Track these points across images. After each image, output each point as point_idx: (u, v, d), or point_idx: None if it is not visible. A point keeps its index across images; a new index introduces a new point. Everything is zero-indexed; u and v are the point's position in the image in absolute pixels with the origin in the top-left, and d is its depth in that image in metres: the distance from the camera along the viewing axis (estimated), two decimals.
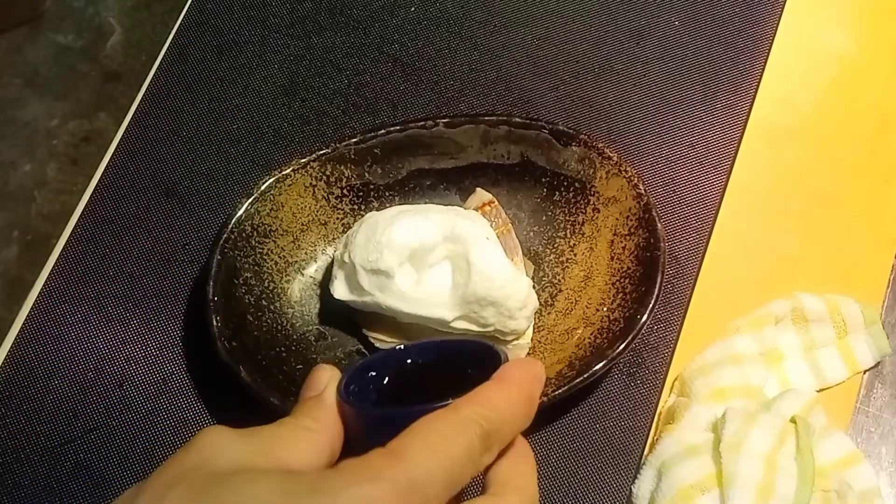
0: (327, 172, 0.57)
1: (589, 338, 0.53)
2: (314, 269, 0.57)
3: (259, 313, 0.54)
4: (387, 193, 0.58)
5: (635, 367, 0.57)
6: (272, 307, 0.55)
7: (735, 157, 0.62)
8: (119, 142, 0.63)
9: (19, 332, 0.57)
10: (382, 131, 0.56)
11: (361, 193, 0.58)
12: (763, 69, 0.65)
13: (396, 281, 0.51)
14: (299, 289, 0.57)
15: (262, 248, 0.55)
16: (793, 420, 0.51)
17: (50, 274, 0.59)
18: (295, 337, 0.55)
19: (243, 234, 0.54)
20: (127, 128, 0.64)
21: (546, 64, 0.66)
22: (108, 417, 0.55)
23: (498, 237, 0.54)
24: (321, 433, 0.30)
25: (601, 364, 0.51)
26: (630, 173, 0.55)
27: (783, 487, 0.47)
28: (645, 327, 0.52)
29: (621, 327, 0.52)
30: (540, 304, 0.55)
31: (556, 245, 0.58)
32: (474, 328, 0.52)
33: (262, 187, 0.55)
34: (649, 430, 0.55)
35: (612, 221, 0.56)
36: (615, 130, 0.63)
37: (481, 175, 0.58)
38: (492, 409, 0.29)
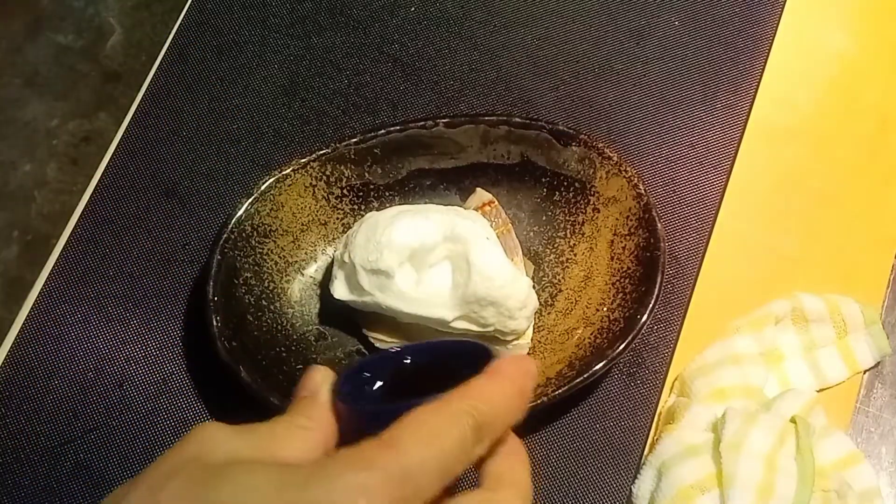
0: (327, 172, 0.57)
1: (589, 338, 0.53)
2: (314, 269, 0.57)
3: (259, 313, 0.54)
4: (387, 193, 0.58)
5: (635, 367, 0.57)
6: (272, 307, 0.55)
7: (735, 157, 0.62)
8: (119, 142, 0.63)
9: (19, 332, 0.57)
10: (382, 131, 0.56)
11: (361, 193, 0.58)
12: (763, 69, 0.65)
13: (396, 281, 0.51)
14: (299, 289, 0.57)
15: (262, 248, 0.55)
16: (793, 420, 0.51)
17: (50, 274, 0.59)
18: (295, 337, 0.55)
19: (243, 234, 0.54)
20: (127, 128, 0.64)
21: (546, 64, 0.66)
22: (108, 417, 0.55)
23: (498, 237, 0.54)
24: (315, 431, 0.30)
25: (601, 364, 0.51)
26: (630, 173, 0.55)
27: (783, 487, 0.47)
28: (645, 327, 0.52)
29: (621, 327, 0.52)
30: (540, 304, 0.55)
31: (556, 245, 0.58)
32: (474, 328, 0.52)
33: (262, 187, 0.55)
34: (649, 430, 0.55)
35: (612, 221, 0.56)
36: (615, 130, 0.63)
37: (481, 175, 0.58)
38: (484, 402, 0.29)
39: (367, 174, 0.58)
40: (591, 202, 0.57)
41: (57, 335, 0.57)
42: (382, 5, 0.68)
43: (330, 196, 0.57)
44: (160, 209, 0.61)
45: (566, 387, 0.50)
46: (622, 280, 0.54)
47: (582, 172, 0.57)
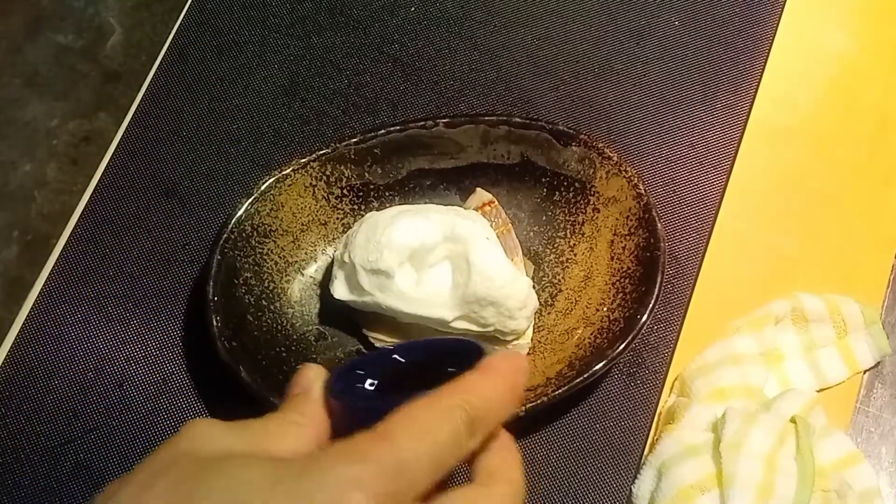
0: (327, 172, 0.57)
1: (589, 338, 0.53)
2: (314, 269, 0.57)
3: (259, 313, 0.54)
4: (387, 193, 0.58)
5: (635, 367, 0.57)
6: (272, 307, 0.55)
7: (735, 157, 0.62)
8: (119, 142, 0.63)
9: (19, 332, 0.57)
10: (382, 131, 0.56)
11: (361, 193, 0.58)
12: (763, 69, 0.65)
13: (396, 281, 0.51)
14: (299, 289, 0.57)
15: (262, 248, 0.55)
16: (793, 420, 0.51)
17: (50, 274, 0.59)
18: (295, 337, 0.55)
19: (243, 234, 0.54)
20: (127, 128, 0.64)
21: (546, 64, 0.66)
22: (108, 417, 0.55)
23: (498, 237, 0.54)
24: (308, 427, 0.30)
25: (601, 364, 0.51)
26: (630, 173, 0.55)
27: (783, 487, 0.47)
28: (645, 327, 0.52)
29: (621, 327, 0.52)
30: (540, 304, 0.55)
31: (556, 245, 0.58)
32: (474, 328, 0.52)
33: (262, 187, 0.55)
34: (649, 430, 0.55)
35: (612, 221, 0.56)
36: (615, 130, 0.63)
37: (481, 175, 0.58)
38: (477, 396, 0.29)
39: (367, 174, 0.58)
40: (591, 202, 0.57)
41: (57, 335, 0.57)
42: (382, 5, 0.68)
43: (330, 196, 0.57)
44: (160, 209, 0.61)
45: (566, 387, 0.50)
46: (622, 280, 0.54)
47: (582, 172, 0.57)
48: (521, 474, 0.31)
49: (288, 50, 0.66)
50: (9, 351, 0.57)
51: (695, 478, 0.49)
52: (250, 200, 0.54)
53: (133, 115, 0.64)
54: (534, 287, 0.54)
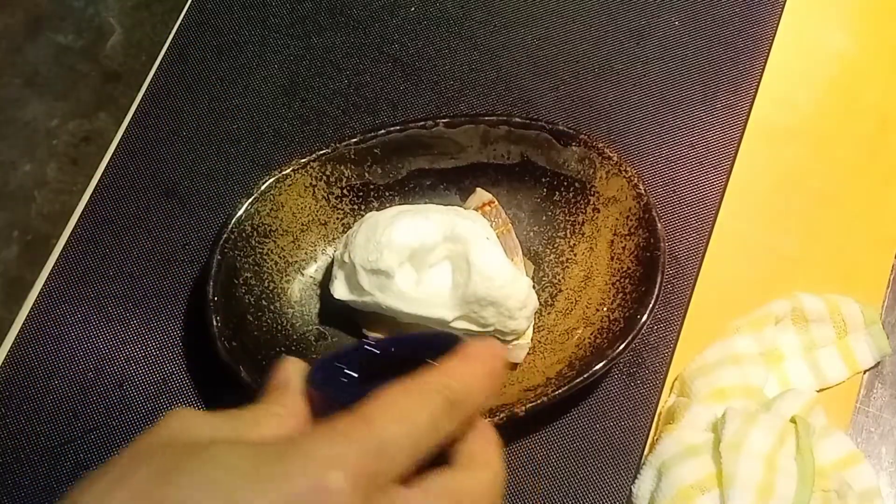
0: (327, 172, 0.57)
1: (589, 338, 0.53)
2: (314, 269, 0.57)
3: (259, 313, 0.54)
4: (387, 193, 0.58)
5: (635, 367, 0.57)
6: (272, 307, 0.55)
7: (735, 157, 0.62)
8: (119, 142, 0.63)
9: (19, 332, 0.57)
10: (382, 131, 0.56)
11: (361, 193, 0.58)
12: (763, 69, 0.65)
13: (396, 281, 0.51)
14: (299, 289, 0.57)
15: (262, 248, 0.55)
16: (793, 420, 0.51)
17: (50, 274, 0.59)
18: (295, 337, 0.55)
19: (243, 234, 0.54)
20: (127, 128, 0.64)
21: (546, 64, 0.66)
22: (108, 417, 0.55)
23: (498, 237, 0.54)
24: (288, 418, 0.30)
25: (601, 364, 0.51)
26: (630, 173, 0.55)
27: (783, 487, 0.47)
28: (645, 327, 0.52)
29: (621, 327, 0.52)
30: (540, 304, 0.55)
31: (556, 245, 0.58)
32: (474, 328, 0.52)
33: (262, 187, 0.55)
34: (649, 430, 0.55)
35: (612, 221, 0.56)
36: (615, 130, 0.63)
37: (481, 175, 0.58)
38: (455, 380, 0.29)
39: (367, 174, 0.58)
40: (591, 202, 0.57)
41: (57, 335, 0.57)
42: (382, 5, 0.68)
43: (330, 196, 0.57)
44: (160, 209, 0.61)
45: (566, 387, 0.50)
46: (622, 280, 0.54)
47: (582, 172, 0.57)
48: (501, 459, 0.31)
49: (288, 50, 0.66)
50: (9, 351, 0.57)
51: (695, 478, 0.49)
52: (250, 200, 0.54)
53: (133, 115, 0.64)
54: (534, 287, 0.54)
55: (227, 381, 0.51)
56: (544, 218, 0.58)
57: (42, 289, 0.59)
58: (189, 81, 0.65)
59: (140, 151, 0.63)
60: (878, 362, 0.57)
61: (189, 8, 0.68)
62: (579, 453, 0.55)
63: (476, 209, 0.57)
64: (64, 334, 0.57)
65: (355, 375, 0.33)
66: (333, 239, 0.58)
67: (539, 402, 0.50)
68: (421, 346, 0.32)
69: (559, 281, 0.57)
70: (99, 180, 0.62)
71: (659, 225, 0.54)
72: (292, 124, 0.64)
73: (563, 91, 0.65)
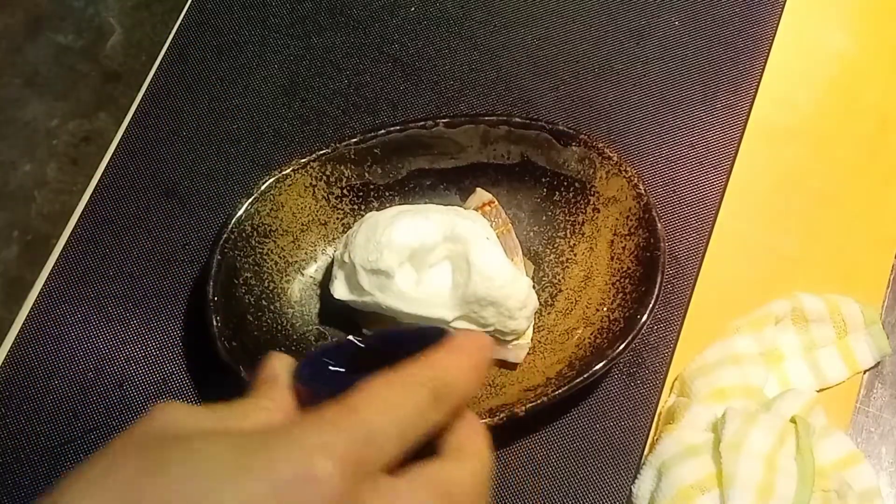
0: (327, 172, 0.57)
1: (589, 338, 0.53)
2: (314, 269, 0.57)
3: (259, 313, 0.54)
4: (387, 193, 0.58)
5: (635, 367, 0.57)
6: (272, 307, 0.55)
7: (735, 157, 0.62)
8: (119, 142, 0.63)
9: (19, 332, 0.57)
10: (382, 131, 0.56)
11: (361, 193, 0.58)
12: (763, 69, 0.65)
13: (396, 281, 0.51)
14: (299, 289, 0.57)
15: (262, 248, 0.55)
16: (793, 420, 0.51)
17: (50, 274, 0.59)
18: (295, 337, 0.55)
19: (243, 234, 0.54)
20: (127, 128, 0.64)
21: (546, 64, 0.66)
22: (108, 417, 0.55)
23: (498, 237, 0.54)
24: (276, 412, 0.30)
25: (601, 364, 0.51)
26: (630, 173, 0.55)
27: (783, 487, 0.47)
28: (645, 327, 0.52)
29: (621, 327, 0.52)
30: (540, 304, 0.55)
31: (556, 245, 0.58)
32: (474, 328, 0.52)
33: (262, 187, 0.55)
34: (649, 430, 0.55)
35: (612, 221, 0.56)
36: (615, 130, 0.63)
37: (481, 175, 0.58)
38: (440, 371, 0.30)
39: (367, 174, 0.58)
40: (591, 202, 0.57)
41: (57, 335, 0.57)
42: (382, 5, 0.68)
43: (330, 196, 0.57)
44: (160, 209, 0.61)
45: (566, 387, 0.50)
46: (622, 280, 0.54)
47: (582, 172, 0.57)
48: (488, 450, 0.31)
49: (288, 50, 0.66)
50: (9, 351, 0.57)
51: (695, 478, 0.49)
52: (250, 200, 0.54)
53: (133, 115, 0.64)
54: (534, 287, 0.54)
55: (227, 381, 0.51)
56: (544, 218, 0.58)
57: (42, 289, 0.59)
58: (189, 81, 0.65)
59: (140, 151, 0.63)
60: (878, 362, 0.57)
61: (189, 8, 0.68)
62: (579, 453, 0.55)
63: (476, 209, 0.57)
64: (64, 334, 0.57)
65: (342, 370, 0.33)
66: (333, 239, 0.58)
67: (539, 402, 0.50)
68: (408, 340, 0.32)
69: (559, 281, 0.57)
70: (99, 180, 0.62)
71: (659, 225, 0.54)
72: (292, 124, 0.64)
73: (563, 91, 0.65)
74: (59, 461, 0.54)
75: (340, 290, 0.53)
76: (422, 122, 0.57)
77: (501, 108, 0.64)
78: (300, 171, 0.56)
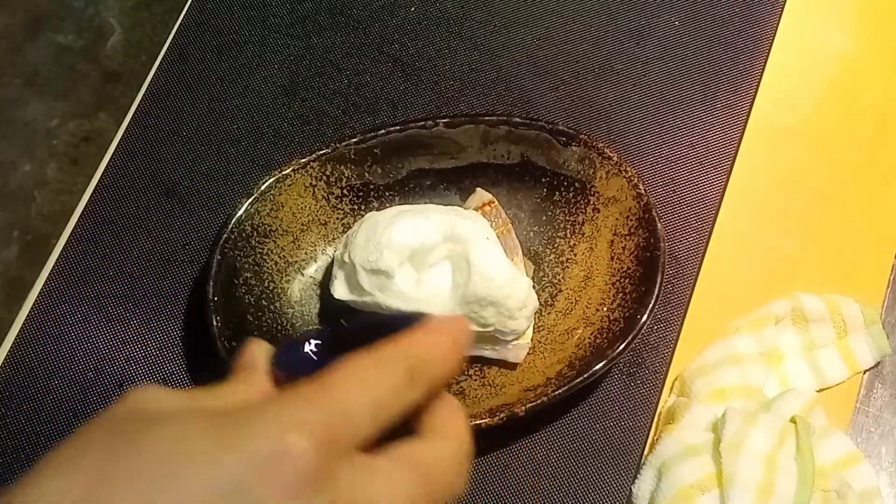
0: (327, 172, 0.57)
1: (589, 338, 0.53)
2: (314, 269, 0.57)
3: (259, 313, 0.54)
4: (387, 193, 0.58)
5: (635, 367, 0.57)
6: (272, 307, 0.55)
7: (735, 157, 0.62)
8: (119, 142, 0.63)
9: (19, 332, 0.57)
10: (382, 131, 0.56)
11: (361, 193, 0.58)
12: (763, 69, 0.65)
13: (396, 281, 0.51)
14: (299, 289, 0.57)
15: (262, 248, 0.55)
16: (793, 420, 0.51)
17: (50, 274, 0.59)
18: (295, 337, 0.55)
19: (243, 234, 0.54)
20: (127, 128, 0.64)
21: (546, 64, 0.66)
22: None
23: (498, 237, 0.54)
24: (253, 394, 0.30)
25: (601, 364, 0.51)
26: (630, 173, 0.55)
27: (783, 487, 0.47)
28: (645, 327, 0.52)
29: (621, 327, 0.52)
30: (540, 304, 0.55)
31: (556, 245, 0.58)
32: (474, 328, 0.52)
33: (262, 187, 0.55)
34: (649, 430, 0.55)
35: (612, 221, 0.56)
36: (615, 130, 0.63)
37: (481, 175, 0.58)
38: (416, 349, 0.30)
39: (367, 174, 0.58)
40: (591, 202, 0.57)
41: (57, 335, 0.57)
42: (382, 5, 0.68)
43: (330, 196, 0.57)
44: (160, 209, 0.61)
45: (566, 387, 0.50)
46: (622, 280, 0.54)
47: (582, 172, 0.57)
48: (467, 430, 0.31)
49: (288, 50, 0.66)
50: (9, 351, 0.57)
51: (695, 478, 0.49)
52: (250, 200, 0.54)
53: (133, 115, 0.64)
54: (534, 287, 0.54)
55: None
56: (544, 218, 0.58)
57: (42, 289, 0.59)
58: (189, 81, 0.65)
59: (140, 151, 0.63)
60: (878, 362, 0.57)
61: (189, 8, 0.68)
62: (579, 453, 0.55)
63: (476, 209, 0.57)
64: (64, 334, 0.57)
65: (320, 356, 0.33)
66: (333, 239, 0.58)
67: (539, 402, 0.50)
68: (387, 325, 0.33)
69: (559, 281, 0.57)
70: (99, 180, 0.62)
71: (659, 225, 0.54)
72: (292, 124, 0.64)
73: (563, 91, 0.65)
74: None
75: (340, 290, 0.53)
76: (422, 122, 0.57)
77: (501, 108, 0.64)
78: (300, 171, 0.56)
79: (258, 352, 0.32)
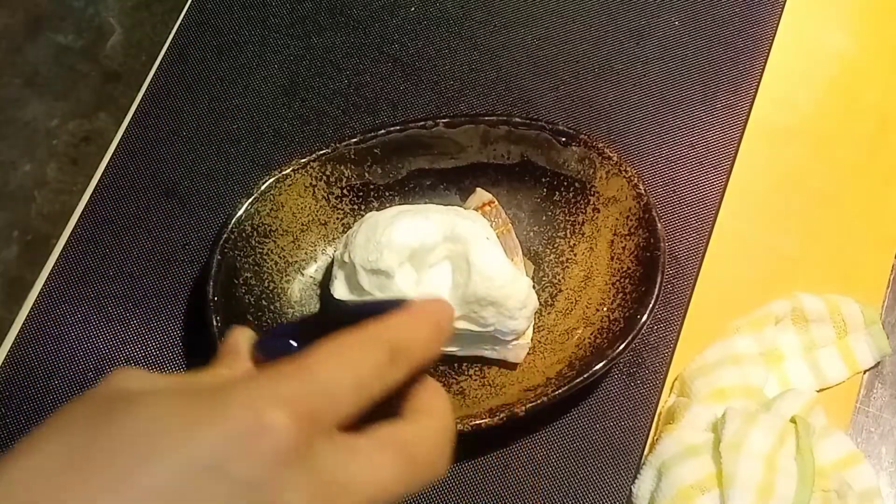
0: (327, 172, 0.57)
1: (589, 338, 0.53)
2: (314, 269, 0.57)
3: (259, 313, 0.54)
4: (387, 193, 0.58)
5: (635, 367, 0.57)
6: (272, 307, 0.55)
7: (735, 157, 0.62)
8: (119, 142, 0.63)
9: (19, 332, 0.57)
10: (382, 131, 0.56)
11: (361, 193, 0.58)
12: (763, 69, 0.65)
13: (396, 281, 0.51)
14: (299, 289, 0.57)
15: (262, 248, 0.55)
16: (793, 420, 0.51)
17: (50, 274, 0.59)
18: None
19: (243, 234, 0.54)
20: (127, 128, 0.64)
21: (546, 64, 0.66)
22: None
23: (498, 237, 0.54)
24: (234, 375, 0.30)
25: (601, 364, 0.51)
26: (630, 173, 0.55)
27: (783, 487, 0.47)
28: (645, 327, 0.52)
29: (621, 327, 0.52)
30: (540, 304, 0.55)
31: (556, 245, 0.58)
32: (474, 328, 0.52)
33: (262, 187, 0.55)
34: (649, 430, 0.55)
35: (612, 221, 0.56)
36: (615, 130, 0.63)
37: (481, 175, 0.58)
38: (398, 329, 0.30)
39: (367, 174, 0.58)
40: (591, 202, 0.57)
41: (57, 335, 0.57)
42: (382, 5, 0.68)
43: (330, 196, 0.57)
44: (160, 209, 0.61)
45: (566, 387, 0.50)
46: (622, 280, 0.54)
47: (582, 172, 0.57)
48: (450, 411, 0.31)
49: (288, 50, 0.66)
50: (9, 351, 0.57)
51: (695, 478, 0.49)
52: (250, 200, 0.54)
53: (133, 115, 0.64)
54: (534, 287, 0.54)
55: None
56: (544, 218, 0.58)
57: (42, 289, 0.59)
58: (189, 81, 0.65)
59: (140, 151, 0.63)
60: (878, 362, 0.57)
61: (189, 8, 0.68)
62: (579, 453, 0.55)
63: (476, 209, 0.57)
64: (64, 334, 0.57)
65: (303, 343, 0.33)
66: (333, 239, 0.58)
67: (539, 402, 0.50)
68: (370, 312, 0.33)
69: (559, 281, 0.57)
70: (99, 180, 0.62)
71: (659, 225, 0.54)
72: (292, 124, 0.64)
73: (563, 91, 0.65)
74: None
75: (340, 290, 0.53)
76: (422, 122, 0.57)
77: (501, 108, 0.64)
78: (300, 171, 0.56)
79: (241, 338, 0.32)
